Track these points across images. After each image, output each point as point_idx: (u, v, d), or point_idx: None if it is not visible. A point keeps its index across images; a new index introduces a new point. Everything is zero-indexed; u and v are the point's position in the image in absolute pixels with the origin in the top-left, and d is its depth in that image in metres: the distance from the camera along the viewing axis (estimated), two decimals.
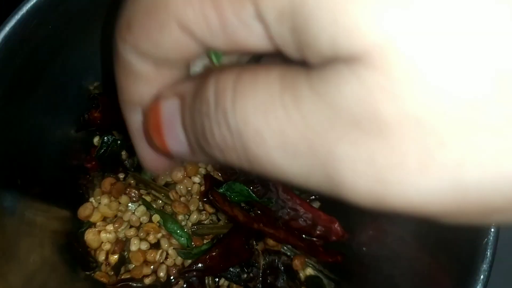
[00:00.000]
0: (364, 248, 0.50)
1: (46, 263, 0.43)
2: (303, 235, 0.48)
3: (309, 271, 0.51)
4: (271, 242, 0.49)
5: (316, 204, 0.53)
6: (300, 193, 0.52)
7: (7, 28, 0.35)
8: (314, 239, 0.49)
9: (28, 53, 0.38)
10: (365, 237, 0.50)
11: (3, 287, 0.36)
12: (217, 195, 0.44)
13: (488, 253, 0.32)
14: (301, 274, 0.50)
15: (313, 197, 0.54)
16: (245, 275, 0.47)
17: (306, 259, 0.50)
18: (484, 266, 0.32)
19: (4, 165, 0.38)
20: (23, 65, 0.37)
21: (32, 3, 0.35)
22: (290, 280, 0.48)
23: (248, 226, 0.45)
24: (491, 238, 0.33)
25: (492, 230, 0.33)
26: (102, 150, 0.48)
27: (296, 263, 0.49)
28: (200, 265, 0.44)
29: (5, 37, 0.35)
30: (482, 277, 0.32)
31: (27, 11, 0.35)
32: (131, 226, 0.47)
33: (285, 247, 0.50)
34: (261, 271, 0.47)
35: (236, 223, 0.46)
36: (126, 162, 0.49)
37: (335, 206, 0.54)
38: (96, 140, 0.50)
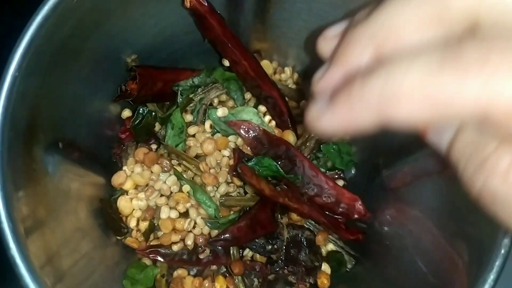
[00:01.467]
0: (385, 228, 0.51)
1: (81, 227, 0.45)
2: (326, 212, 0.50)
3: (331, 246, 0.52)
4: (295, 216, 0.51)
5: (340, 183, 0.54)
6: (325, 170, 0.54)
7: None
8: (337, 216, 0.51)
9: (73, 24, 0.39)
10: (387, 217, 0.52)
11: (42, 244, 0.38)
12: (245, 168, 0.45)
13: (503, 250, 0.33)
14: (322, 249, 0.52)
15: (337, 176, 0.55)
16: (270, 247, 0.48)
17: (329, 236, 0.52)
18: (497, 262, 0.33)
19: (49, 129, 0.40)
20: (68, 35, 0.39)
21: None
22: (312, 255, 0.50)
23: (274, 200, 0.46)
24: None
25: None
26: (137, 121, 0.50)
27: (319, 238, 0.51)
28: (227, 235, 0.46)
29: (52, 7, 0.37)
30: (495, 269, 0.33)
31: None
32: (161, 195, 0.49)
33: (308, 223, 0.52)
34: (284, 243, 0.49)
35: (262, 197, 0.47)
36: (159, 133, 0.51)
37: (359, 184, 0.56)
38: (125, 113, 0.52)
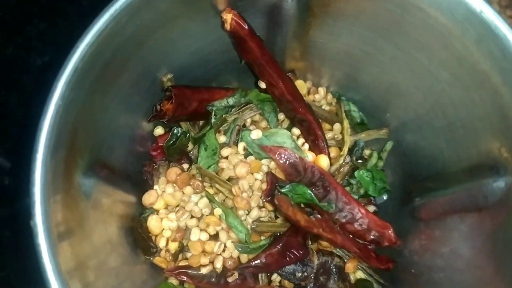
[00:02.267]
0: (415, 257, 0.51)
1: (110, 243, 0.45)
2: (356, 239, 0.49)
3: (360, 274, 0.52)
4: (324, 243, 0.50)
5: (371, 208, 0.53)
6: (358, 197, 0.53)
7: (100, 22, 0.36)
8: (367, 243, 0.50)
9: (116, 47, 0.39)
10: (418, 245, 0.51)
11: (70, 255, 0.37)
12: (282, 200, 0.44)
13: None
14: (351, 277, 0.51)
15: (367, 201, 0.55)
16: (300, 274, 0.48)
17: (358, 263, 0.51)
18: None
19: (86, 153, 0.39)
20: (110, 57, 0.39)
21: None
22: (341, 282, 0.49)
23: (309, 231, 0.46)
24: None
25: None
26: (171, 142, 0.49)
27: (349, 266, 0.50)
28: (258, 261, 0.45)
29: (98, 31, 0.36)
30: None
31: (120, 7, 0.37)
32: (192, 217, 0.48)
33: (337, 249, 0.51)
34: (314, 270, 0.48)
35: (297, 227, 0.47)
36: (191, 153, 0.51)
37: (389, 210, 0.55)
38: (158, 130, 0.52)
